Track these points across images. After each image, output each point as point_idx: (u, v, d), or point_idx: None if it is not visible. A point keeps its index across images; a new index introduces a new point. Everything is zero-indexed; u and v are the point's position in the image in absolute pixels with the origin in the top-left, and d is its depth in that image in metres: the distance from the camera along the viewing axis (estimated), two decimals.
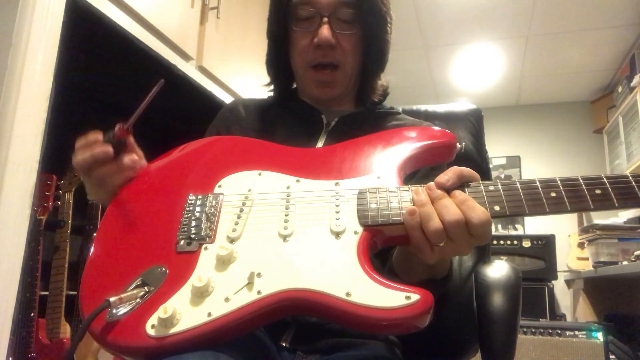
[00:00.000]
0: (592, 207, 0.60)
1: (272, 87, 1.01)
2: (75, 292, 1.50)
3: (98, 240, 0.69)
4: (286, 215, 0.66)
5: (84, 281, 0.65)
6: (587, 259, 3.14)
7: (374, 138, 0.76)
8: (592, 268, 2.85)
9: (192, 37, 1.61)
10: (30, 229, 1.05)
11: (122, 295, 0.58)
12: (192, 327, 0.57)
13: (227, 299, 0.58)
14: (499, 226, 4.15)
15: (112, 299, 0.57)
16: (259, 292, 0.58)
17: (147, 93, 0.75)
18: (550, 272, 3.19)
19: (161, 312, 0.57)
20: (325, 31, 0.85)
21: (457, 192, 0.61)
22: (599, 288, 3.08)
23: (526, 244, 3.28)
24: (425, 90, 4.05)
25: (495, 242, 3.30)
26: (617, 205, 0.60)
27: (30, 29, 1.04)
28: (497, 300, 0.89)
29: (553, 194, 0.61)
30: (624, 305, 2.97)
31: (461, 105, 1.18)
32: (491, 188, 0.63)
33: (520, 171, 4.20)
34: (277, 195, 0.69)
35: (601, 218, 3.27)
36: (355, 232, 0.63)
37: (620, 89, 3.47)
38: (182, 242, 0.65)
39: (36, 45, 1.05)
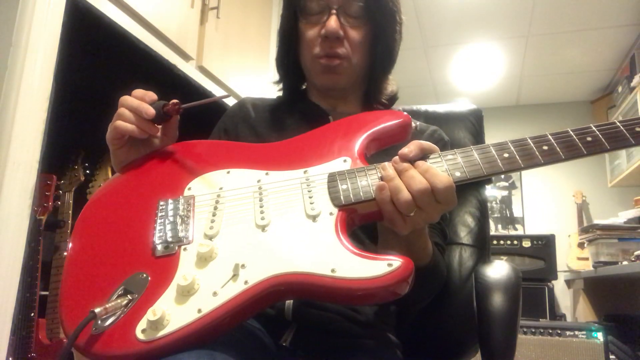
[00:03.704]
0: (542, 162, 0.65)
1: (281, 85, 1.01)
2: None
3: (72, 254, 0.68)
4: (261, 207, 0.67)
5: (62, 296, 0.63)
6: (587, 259, 3.15)
7: (335, 125, 0.80)
8: (592, 268, 2.85)
9: (192, 37, 1.61)
10: (30, 229, 1.05)
11: (107, 305, 0.58)
12: (183, 325, 0.56)
13: (215, 294, 0.58)
14: (499, 226, 4.15)
15: (97, 310, 0.56)
16: (245, 282, 0.59)
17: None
18: (550, 272, 3.19)
19: (150, 314, 0.56)
20: (332, 22, 0.85)
21: (420, 163, 0.64)
22: (599, 288, 3.08)
23: (526, 244, 3.28)
24: (425, 90, 4.05)
25: (495, 242, 3.30)
26: (563, 157, 0.64)
27: (30, 29, 1.04)
28: (497, 300, 0.89)
29: (506, 155, 0.66)
30: (624, 305, 2.97)
31: (461, 105, 1.18)
32: (449, 157, 0.67)
33: (520, 171, 4.20)
34: (248, 190, 0.70)
35: (601, 218, 3.28)
36: (331, 214, 0.64)
37: (620, 89, 3.47)
38: (159, 247, 0.64)
39: (36, 45, 1.05)
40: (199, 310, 0.57)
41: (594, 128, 0.65)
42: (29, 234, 1.03)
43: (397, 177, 0.63)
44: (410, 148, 0.66)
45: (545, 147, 0.65)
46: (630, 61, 3.28)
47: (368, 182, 0.66)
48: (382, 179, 0.65)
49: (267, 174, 0.72)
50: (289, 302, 0.78)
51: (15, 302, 0.99)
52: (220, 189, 0.71)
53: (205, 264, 0.62)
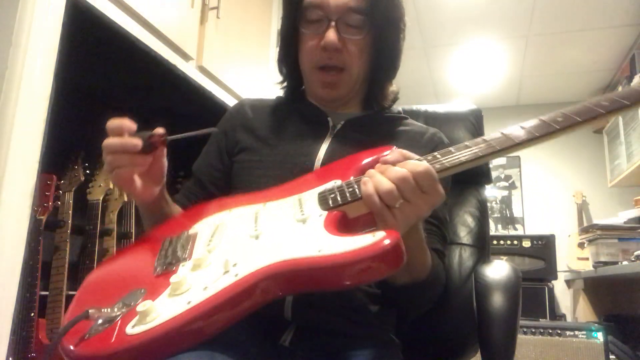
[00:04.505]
0: (516, 142, 0.66)
1: (284, 84, 1.01)
2: (75, 292, 1.50)
3: (85, 285, 0.76)
4: (255, 223, 0.71)
5: (67, 311, 0.69)
6: (587, 259, 3.15)
7: (329, 165, 0.83)
8: (592, 268, 2.85)
9: (192, 37, 1.61)
10: (30, 229, 1.05)
11: (103, 309, 0.60)
12: (173, 316, 0.56)
13: (205, 288, 0.59)
14: (499, 226, 4.15)
15: (91, 310, 0.59)
16: (236, 275, 0.59)
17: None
18: (550, 272, 3.19)
19: (140, 307, 0.57)
20: (331, 35, 0.85)
21: (401, 162, 0.66)
22: (599, 288, 3.08)
23: (526, 244, 3.28)
24: (425, 90, 4.05)
25: (495, 242, 3.30)
26: (537, 135, 0.65)
27: (30, 29, 1.04)
28: (497, 300, 0.89)
29: (482, 145, 0.67)
30: (624, 305, 2.97)
31: (461, 105, 1.18)
32: (429, 157, 0.68)
33: (520, 171, 4.20)
34: (246, 217, 0.75)
35: (601, 218, 3.27)
36: (320, 215, 0.66)
37: (620, 89, 3.46)
38: (159, 268, 0.69)
39: (36, 45, 1.05)
40: (189, 302, 0.58)
41: (563, 111, 0.67)
42: (29, 234, 1.03)
43: (379, 173, 0.65)
44: (394, 154, 0.68)
45: (520, 132, 0.66)
46: (630, 61, 3.28)
47: (354, 188, 0.68)
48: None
49: (264, 205, 0.76)
50: (288, 302, 0.78)
51: (15, 302, 0.99)
52: (221, 221, 0.76)
53: (199, 268, 0.65)
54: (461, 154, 0.67)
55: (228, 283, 0.59)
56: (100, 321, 0.59)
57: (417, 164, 0.64)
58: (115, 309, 0.60)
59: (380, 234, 0.57)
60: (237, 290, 0.58)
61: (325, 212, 0.66)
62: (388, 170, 0.64)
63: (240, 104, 1.03)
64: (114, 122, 0.74)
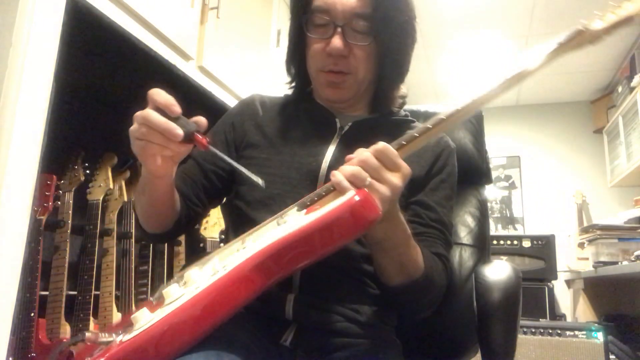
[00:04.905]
0: (460, 109, 0.79)
1: (293, 84, 1.00)
2: (75, 292, 1.50)
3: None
4: (243, 243, 0.76)
5: None
6: (587, 259, 3.14)
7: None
8: (592, 268, 2.85)
9: (192, 37, 1.61)
10: (30, 229, 1.05)
11: (100, 334, 0.63)
12: (166, 314, 0.58)
13: (197, 287, 0.62)
14: (499, 226, 4.16)
15: (87, 334, 0.62)
16: (224, 268, 0.63)
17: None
18: (550, 272, 3.19)
19: (134, 314, 0.61)
20: (336, 41, 0.84)
21: None
22: (599, 288, 3.08)
23: (526, 244, 3.28)
24: (425, 90, 4.05)
25: (495, 242, 3.30)
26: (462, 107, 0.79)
27: (30, 29, 1.04)
28: (497, 300, 0.89)
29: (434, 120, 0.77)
30: (624, 305, 2.97)
31: None
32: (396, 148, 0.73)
33: (520, 171, 4.20)
34: (234, 244, 0.79)
35: (601, 218, 3.28)
36: (300, 213, 0.71)
37: (620, 89, 3.47)
38: (155, 302, 0.71)
39: (36, 45, 1.05)
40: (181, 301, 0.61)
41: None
42: (29, 234, 1.03)
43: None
44: (356, 152, 0.71)
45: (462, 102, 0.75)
46: (630, 61, 3.28)
47: (328, 187, 0.71)
48: None
49: (251, 234, 0.79)
50: (289, 302, 0.79)
51: (15, 302, 0.99)
52: (212, 257, 0.79)
53: (191, 282, 0.67)
54: (415, 130, 0.75)
55: (218, 277, 0.61)
56: (99, 346, 0.62)
57: (376, 145, 0.69)
58: (114, 335, 0.63)
59: (350, 193, 0.64)
60: (228, 281, 0.60)
61: (305, 210, 0.71)
62: (352, 159, 0.70)
63: (251, 98, 1.02)
64: (161, 96, 0.68)
